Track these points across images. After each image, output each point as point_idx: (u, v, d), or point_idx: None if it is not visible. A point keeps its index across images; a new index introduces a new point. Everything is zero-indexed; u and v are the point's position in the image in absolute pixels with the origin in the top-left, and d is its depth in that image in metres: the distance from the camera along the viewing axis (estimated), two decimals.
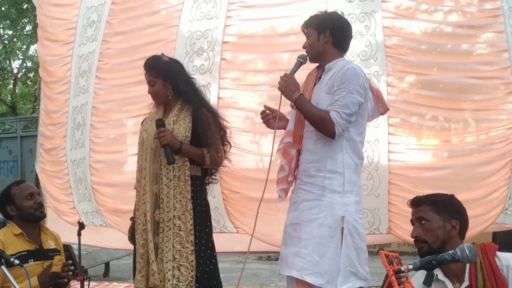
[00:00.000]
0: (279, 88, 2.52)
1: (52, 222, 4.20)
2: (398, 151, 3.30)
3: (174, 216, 2.68)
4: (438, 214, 2.16)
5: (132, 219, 3.00)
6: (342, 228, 2.40)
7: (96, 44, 3.98)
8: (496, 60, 3.23)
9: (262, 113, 2.70)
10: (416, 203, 2.22)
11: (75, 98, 4.08)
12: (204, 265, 2.73)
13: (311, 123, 2.48)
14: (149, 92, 2.87)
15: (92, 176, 3.92)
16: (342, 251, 2.39)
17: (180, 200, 2.70)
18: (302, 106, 2.48)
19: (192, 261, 2.67)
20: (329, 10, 3.27)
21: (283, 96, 2.55)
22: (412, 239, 2.20)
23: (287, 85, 2.50)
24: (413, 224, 2.21)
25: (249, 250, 2.65)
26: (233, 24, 3.60)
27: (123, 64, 3.90)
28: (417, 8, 3.37)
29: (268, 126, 2.70)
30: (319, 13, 2.68)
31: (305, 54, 2.59)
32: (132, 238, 2.97)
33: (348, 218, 2.41)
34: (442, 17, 3.37)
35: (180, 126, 2.76)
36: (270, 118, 2.68)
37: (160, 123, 2.71)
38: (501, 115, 3.21)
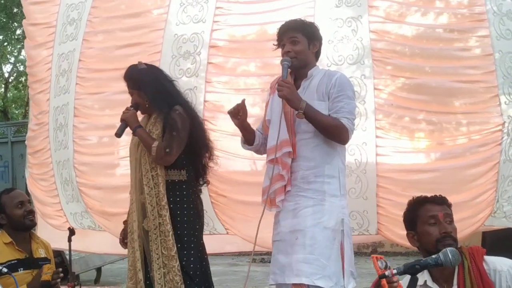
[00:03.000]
0: (284, 95, 2.42)
1: (42, 229, 4.15)
2: (386, 154, 3.30)
3: (160, 223, 2.70)
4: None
5: (125, 222, 2.99)
6: (342, 230, 2.44)
7: (77, 43, 3.91)
8: (481, 64, 3.24)
9: (239, 107, 2.59)
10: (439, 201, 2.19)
11: (56, 98, 4.01)
12: (195, 269, 2.72)
13: (323, 130, 2.45)
14: (131, 103, 2.89)
15: (78, 177, 3.88)
16: (345, 252, 2.43)
17: (163, 207, 2.72)
18: (314, 114, 2.43)
19: (174, 266, 2.66)
20: (317, 15, 3.33)
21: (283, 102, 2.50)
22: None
23: (292, 93, 2.43)
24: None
25: (252, 256, 2.62)
26: (221, 28, 3.58)
27: (105, 65, 3.85)
28: (405, 11, 3.37)
29: (233, 117, 2.60)
30: (304, 20, 2.68)
31: (288, 58, 2.53)
32: (123, 241, 2.97)
33: (346, 221, 2.48)
34: (431, 20, 3.37)
35: (156, 129, 2.79)
36: (241, 114, 2.61)
37: (130, 106, 2.82)
38: (488, 118, 3.22)
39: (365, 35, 3.29)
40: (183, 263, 2.69)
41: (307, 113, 2.42)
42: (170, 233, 2.68)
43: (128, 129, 2.84)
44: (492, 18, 3.21)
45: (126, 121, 2.77)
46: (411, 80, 3.32)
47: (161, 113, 2.78)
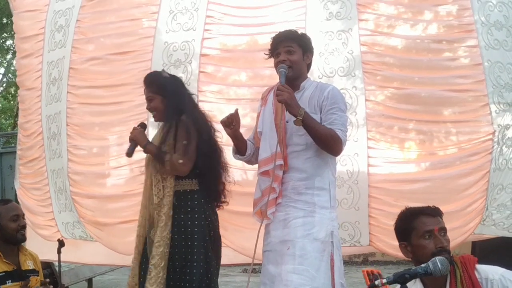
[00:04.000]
0: (284, 100, 2.38)
1: (32, 240, 4.06)
2: (378, 165, 3.31)
3: (168, 233, 2.73)
4: None
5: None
6: (332, 242, 2.44)
7: (66, 50, 3.88)
8: (471, 74, 3.26)
9: (232, 116, 2.59)
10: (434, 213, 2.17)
11: (48, 107, 3.98)
12: (198, 283, 2.70)
13: (318, 140, 2.44)
14: (147, 108, 2.91)
15: (71, 186, 3.85)
16: (335, 264, 2.43)
17: (169, 216, 2.73)
18: (311, 122, 2.42)
19: (161, 276, 2.66)
20: (308, 28, 3.35)
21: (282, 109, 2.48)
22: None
23: (292, 98, 2.40)
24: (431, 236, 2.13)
25: (252, 266, 2.57)
26: (213, 37, 3.58)
27: (96, 73, 3.82)
28: (393, 23, 3.40)
29: (226, 127, 2.59)
30: (298, 31, 2.70)
31: (284, 65, 2.53)
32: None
33: (335, 233, 2.48)
34: (420, 31, 3.40)
35: (169, 139, 2.79)
36: (234, 124, 2.61)
37: (140, 125, 2.89)
38: (478, 127, 3.25)
39: (356, 47, 3.32)
40: (187, 277, 2.68)
41: (305, 120, 2.39)
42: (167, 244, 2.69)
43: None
44: (481, 28, 3.25)
45: (135, 140, 2.80)
46: (400, 90, 3.34)
47: (171, 122, 2.79)
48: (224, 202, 2.96)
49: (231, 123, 2.58)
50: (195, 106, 2.95)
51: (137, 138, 2.80)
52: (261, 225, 2.50)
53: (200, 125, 2.82)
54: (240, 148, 2.70)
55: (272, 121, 2.55)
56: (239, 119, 2.59)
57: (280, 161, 2.48)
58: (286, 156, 2.51)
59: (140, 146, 2.80)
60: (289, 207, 2.51)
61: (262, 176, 2.56)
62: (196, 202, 2.77)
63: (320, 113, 2.50)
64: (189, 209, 2.75)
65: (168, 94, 2.82)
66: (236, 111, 2.59)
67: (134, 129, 2.84)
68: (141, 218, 2.85)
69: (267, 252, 2.57)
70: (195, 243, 2.72)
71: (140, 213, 2.91)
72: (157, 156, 2.76)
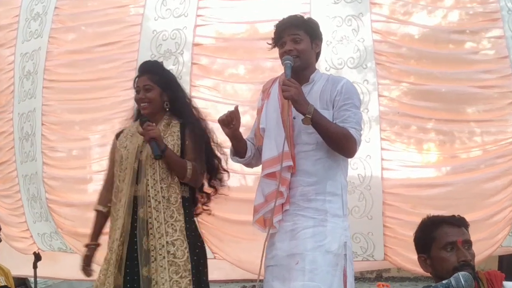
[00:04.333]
0: (291, 96, 2.32)
1: (5, 253, 4.02)
2: (392, 168, 3.28)
3: (167, 242, 2.61)
4: None
5: (87, 246, 2.87)
6: (345, 255, 2.38)
7: (42, 40, 3.81)
8: (496, 68, 3.24)
9: (232, 113, 2.49)
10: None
11: (21, 104, 3.92)
12: None
13: (330, 140, 2.38)
14: (139, 98, 2.75)
15: (47, 193, 3.79)
16: (347, 280, 2.37)
17: (172, 224, 2.64)
18: (322, 120, 2.35)
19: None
20: (313, 13, 3.31)
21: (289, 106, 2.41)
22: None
23: (299, 94, 2.33)
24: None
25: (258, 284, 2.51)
26: (206, 24, 3.53)
27: (76, 66, 3.78)
28: (411, 9, 3.36)
29: (224, 126, 2.50)
30: (305, 17, 2.63)
31: (290, 57, 2.44)
32: (85, 268, 2.84)
33: (348, 244, 2.42)
34: (439, 18, 3.37)
35: (168, 143, 2.68)
36: (234, 123, 2.52)
37: (145, 119, 2.66)
38: (504, 126, 3.23)
39: (367, 36, 3.27)
40: None
41: (315, 118, 2.32)
42: (186, 256, 2.60)
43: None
44: (507, 16, 3.24)
45: (157, 139, 2.60)
46: (417, 85, 3.33)
47: (178, 122, 2.73)
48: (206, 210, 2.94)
49: (231, 122, 2.49)
50: (196, 109, 2.91)
51: (159, 136, 2.60)
52: (268, 234, 2.43)
53: (204, 130, 2.81)
54: (239, 150, 2.62)
55: (278, 116, 2.47)
56: (239, 117, 2.50)
57: (289, 162, 2.42)
58: (294, 157, 2.44)
59: (160, 147, 2.59)
60: (297, 215, 2.43)
61: (267, 178, 2.49)
62: (187, 211, 2.71)
63: (332, 109, 2.44)
64: (187, 218, 2.69)
65: (171, 86, 2.77)
66: (236, 108, 2.51)
67: (149, 125, 2.61)
68: (116, 232, 2.69)
69: (271, 267, 2.49)
70: (191, 256, 2.64)
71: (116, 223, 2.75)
72: (176, 163, 2.65)
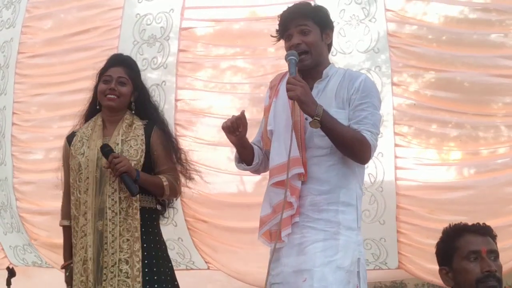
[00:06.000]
0: (297, 96, 2.22)
1: None
2: (408, 167, 3.25)
3: (120, 259, 2.52)
4: None
5: (64, 267, 2.74)
6: (358, 272, 2.29)
7: (15, 30, 3.77)
8: None
9: (238, 119, 2.39)
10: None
11: None
12: None
13: (341, 145, 2.29)
14: (109, 88, 2.63)
15: (18, 201, 3.75)
16: None
17: (127, 239, 2.55)
18: (332, 123, 2.26)
19: None
20: None
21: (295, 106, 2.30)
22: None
23: (306, 93, 2.23)
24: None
25: None
26: (197, 6, 3.47)
27: (52, 56, 3.74)
28: None
29: (230, 134, 2.40)
30: (312, 4, 2.56)
31: (294, 52, 2.34)
32: None
33: (362, 261, 2.33)
34: None
35: (130, 147, 2.60)
36: (240, 129, 2.42)
37: (107, 149, 2.54)
38: None
39: (380, 16, 3.23)
40: None
41: (324, 121, 2.24)
42: (135, 274, 2.50)
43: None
44: None
45: (130, 173, 2.51)
46: (438, 73, 3.26)
47: (142, 123, 2.66)
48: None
49: (237, 129, 2.39)
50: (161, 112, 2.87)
51: (130, 169, 2.51)
52: (274, 249, 2.34)
53: (171, 134, 2.78)
54: (246, 157, 2.53)
55: (288, 117, 2.36)
56: (246, 123, 2.40)
57: (299, 169, 2.33)
58: (305, 163, 2.35)
59: (132, 177, 2.52)
60: (306, 228, 2.33)
61: (275, 187, 2.39)
62: (155, 223, 2.65)
63: (349, 107, 2.37)
64: (150, 230, 2.60)
65: (139, 84, 2.72)
66: (243, 113, 2.41)
67: (116, 157, 2.51)
68: (81, 251, 2.60)
69: (276, 284, 2.39)
70: (156, 270, 2.56)
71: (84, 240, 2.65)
72: (153, 184, 2.59)
